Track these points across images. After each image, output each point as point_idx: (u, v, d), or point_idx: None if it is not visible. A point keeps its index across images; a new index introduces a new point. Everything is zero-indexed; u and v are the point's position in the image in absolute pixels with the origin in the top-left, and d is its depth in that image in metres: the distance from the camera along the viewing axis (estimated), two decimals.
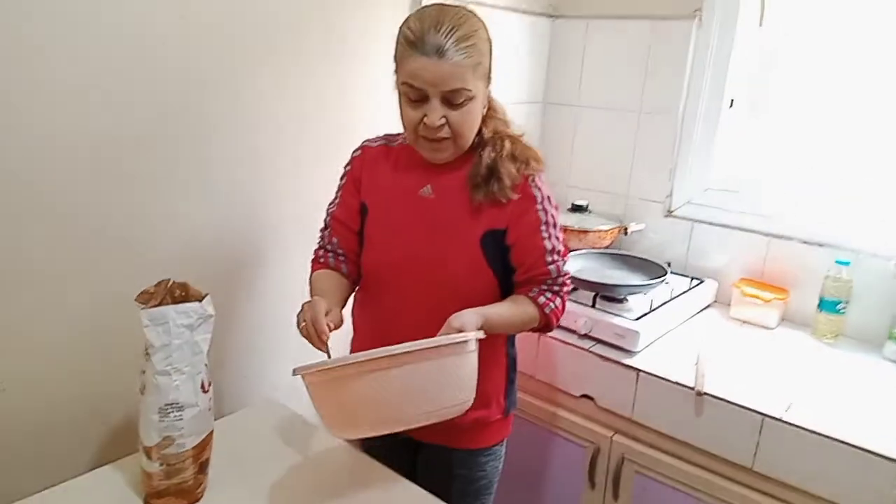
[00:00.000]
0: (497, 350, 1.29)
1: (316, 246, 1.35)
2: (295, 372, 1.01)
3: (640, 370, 1.53)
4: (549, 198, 1.22)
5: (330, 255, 1.31)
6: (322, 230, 1.34)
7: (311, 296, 1.26)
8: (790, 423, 1.34)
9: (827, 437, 1.30)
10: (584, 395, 1.63)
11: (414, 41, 1.07)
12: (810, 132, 1.85)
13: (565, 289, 1.25)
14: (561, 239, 1.24)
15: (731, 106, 1.93)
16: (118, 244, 1.23)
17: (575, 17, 2.11)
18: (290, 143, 1.50)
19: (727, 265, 1.95)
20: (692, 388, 1.44)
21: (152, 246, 1.28)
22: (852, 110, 1.77)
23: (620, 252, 1.97)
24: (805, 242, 1.81)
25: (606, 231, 1.96)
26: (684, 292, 1.83)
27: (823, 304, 1.74)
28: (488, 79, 1.17)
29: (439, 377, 1.01)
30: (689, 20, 1.88)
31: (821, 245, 1.78)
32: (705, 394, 1.42)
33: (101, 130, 1.16)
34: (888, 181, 1.71)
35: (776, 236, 1.85)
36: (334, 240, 1.30)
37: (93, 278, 1.20)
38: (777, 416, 1.35)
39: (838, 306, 1.71)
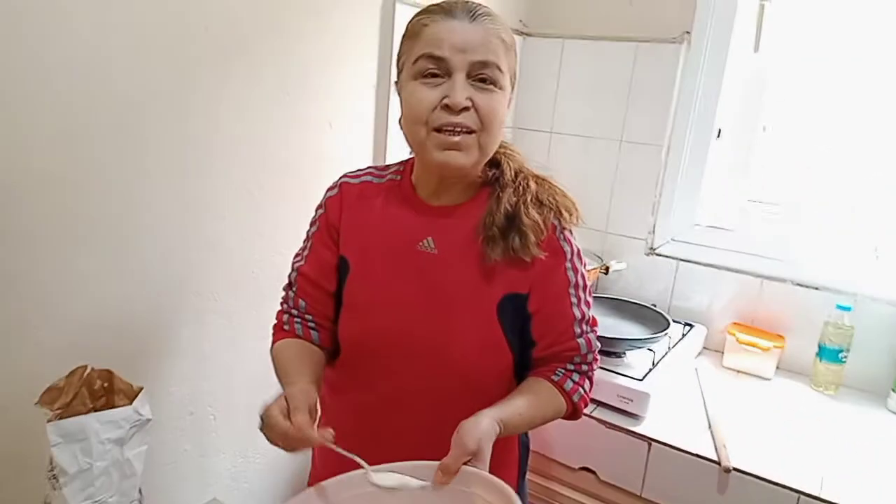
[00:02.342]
0: (508, 439, 1.03)
1: (279, 308, 1.05)
2: None
3: (652, 440, 1.33)
4: (579, 253, 0.99)
5: (296, 320, 1.02)
6: (286, 288, 1.05)
7: (277, 370, 0.96)
8: (828, 501, 1.18)
9: None
10: (584, 468, 1.42)
11: (441, 7, 0.88)
12: (805, 166, 1.74)
13: (594, 366, 1.00)
14: (591, 304, 1.00)
15: (718, 136, 1.79)
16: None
17: (549, 37, 1.92)
18: (232, 186, 1.22)
19: (715, 308, 1.81)
20: (717, 462, 1.26)
21: (51, 321, 0.96)
22: (849, 144, 1.68)
23: (608, 295, 1.79)
24: (800, 285, 1.69)
25: (589, 271, 1.77)
26: (679, 340, 1.66)
27: (824, 353, 1.61)
28: (513, 85, 0.93)
29: None
30: (678, 44, 1.73)
31: (817, 288, 1.66)
32: (733, 469, 1.24)
33: None
34: (887, 218, 1.61)
35: (769, 278, 1.73)
36: (301, 302, 1.01)
37: None
38: (813, 493, 1.19)
39: (840, 354, 1.59)
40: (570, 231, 0.99)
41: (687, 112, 1.77)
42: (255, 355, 1.31)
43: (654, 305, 1.74)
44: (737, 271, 1.76)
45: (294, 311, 1.02)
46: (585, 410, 1.38)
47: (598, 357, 1.02)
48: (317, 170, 1.37)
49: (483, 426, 0.83)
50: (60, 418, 0.73)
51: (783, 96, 1.76)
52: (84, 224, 0.99)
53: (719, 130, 1.79)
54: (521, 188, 0.95)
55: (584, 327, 0.98)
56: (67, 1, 0.89)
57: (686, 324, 1.76)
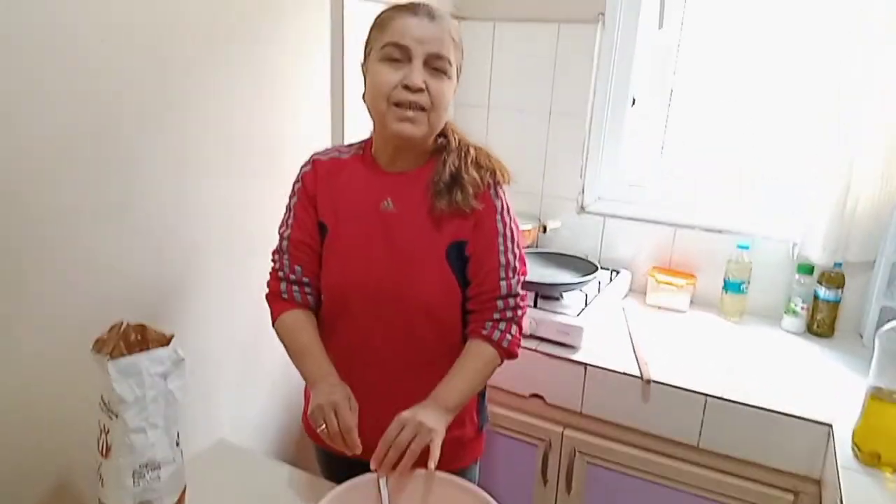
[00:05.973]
0: None
1: (270, 276, 1.23)
2: None
3: (587, 364, 1.58)
4: (508, 209, 1.19)
5: (294, 287, 1.20)
6: (278, 256, 1.22)
7: (290, 347, 1.17)
8: (729, 400, 1.45)
9: (762, 408, 1.42)
10: (534, 395, 1.67)
11: (406, 7, 1.09)
12: (707, 127, 2.02)
13: (520, 312, 1.18)
14: (518, 255, 1.20)
15: (633, 105, 2.04)
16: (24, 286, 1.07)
17: (482, 20, 2.12)
18: (222, 162, 1.39)
19: (638, 255, 2.08)
20: (639, 377, 1.52)
21: (75, 290, 1.12)
22: (743, 106, 1.96)
23: (546, 250, 2.03)
24: (706, 230, 1.97)
25: (529, 230, 2.01)
26: (608, 284, 1.92)
27: (728, 286, 1.90)
28: (458, 76, 1.15)
29: None
30: (594, 24, 1.97)
31: (720, 232, 1.94)
32: (653, 381, 1.51)
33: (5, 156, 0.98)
34: (777, 171, 1.90)
35: (680, 226, 2.00)
36: (297, 267, 1.20)
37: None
38: (717, 394, 1.46)
39: (742, 286, 1.88)
40: (503, 189, 1.20)
41: (605, 84, 2.01)
42: (242, 315, 1.49)
43: (587, 256, 1.99)
44: (654, 222, 2.03)
45: (292, 277, 1.20)
46: (532, 345, 1.63)
47: (524, 305, 1.21)
48: (284, 151, 1.54)
49: (428, 420, 1.03)
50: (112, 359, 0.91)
51: (687, 67, 2.02)
52: (102, 206, 1.14)
53: (634, 99, 2.04)
54: (463, 153, 1.17)
55: (509, 273, 1.17)
56: (69, 10, 1.04)
57: (614, 270, 2.02)
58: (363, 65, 1.16)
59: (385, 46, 1.07)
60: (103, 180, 1.13)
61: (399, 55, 1.07)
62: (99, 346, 0.95)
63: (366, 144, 1.24)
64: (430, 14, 1.09)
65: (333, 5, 1.61)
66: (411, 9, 1.09)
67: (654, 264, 2.05)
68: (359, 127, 1.65)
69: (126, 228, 1.19)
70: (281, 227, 1.24)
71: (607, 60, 1.99)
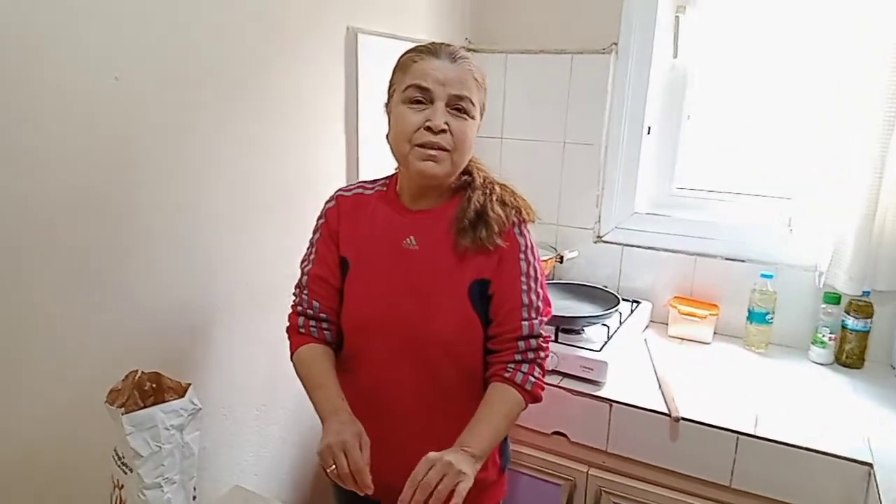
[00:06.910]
0: None
1: (291, 309, 1.22)
2: None
3: (612, 401, 1.53)
4: (532, 248, 1.17)
5: (311, 323, 1.19)
6: (298, 290, 1.22)
7: (304, 378, 1.14)
8: (762, 438, 1.39)
9: (797, 447, 1.36)
10: (556, 432, 1.61)
11: (428, 49, 1.09)
12: (725, 153, 1.99)
13: (542, 354, 1.15)
14: (542, 296, 1.17)
15: (648, 133, 2.02)
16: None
17: (494, 52, 2.12)
18: (238, 204, 1.37)
19: (658, 285, 2.03)
20: (667, 415, 1.47)
21: (85, 336, 1.08)
22: (760, 131, 1.93)
23: (564, 281, 1.99)
24: (729, 259, 1.92)
25: (546, 261, 1.97)
26: (629, 316, 1.88)
27: (753, 316, 1.85)
28: (481, 115, 1.14)
29: None
30: (607, 54, 1.95)
31: (743, 261, 1.90)
32: (682, 418, 1.45)
33: (19, 199, 0.96)
34: (799, 197, 1.86)
35: (701, 255, 1.96)
36: (315, 303, 1.18)
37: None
38: (749, 432, 1.41)
39: (767, 317, 1.83)
40: (528, 228, 1.18)
41: (619, 114, 1.99)
42: (255, 359, 1.46)
43: (606, 287, 1.95)
44: (673, 251, 1.99)
45: (309, 312, 1.18)
46: (554, 381, 1.59)
47: (547, 346, 1.17)
48: (299, 189, 1.52)
49: (459, 464, 0.97)
50: (126, 413, 0.87)
51: (702, 94, 2.00)
52: (114, 251, 1.12)
53: (649, 128, 2.02)
54: (488, 190, 1.15)
55: (532, 313, 1.14)
56: (93, 59, 1.03)
57: (633, 301, 1.98)
58: (386, 105, 1.15)
59: (407, 88, 1.07)
60: (112, 224, 1.11)
61: (421, 97, 1.07)
62: (113, 397, 0.91)
63: (390, 181, 1.23)
64: (452, 55, 1.09)
65: (347, 41, 1.60)
66: (433, 51, 1.09)
67: (675, 294, 2.00)
68: (374, 164, 1.65)
69: (140, 272, 1.17)
70: (303, 261, 1.23)
71: (621, 90, 1.97)
